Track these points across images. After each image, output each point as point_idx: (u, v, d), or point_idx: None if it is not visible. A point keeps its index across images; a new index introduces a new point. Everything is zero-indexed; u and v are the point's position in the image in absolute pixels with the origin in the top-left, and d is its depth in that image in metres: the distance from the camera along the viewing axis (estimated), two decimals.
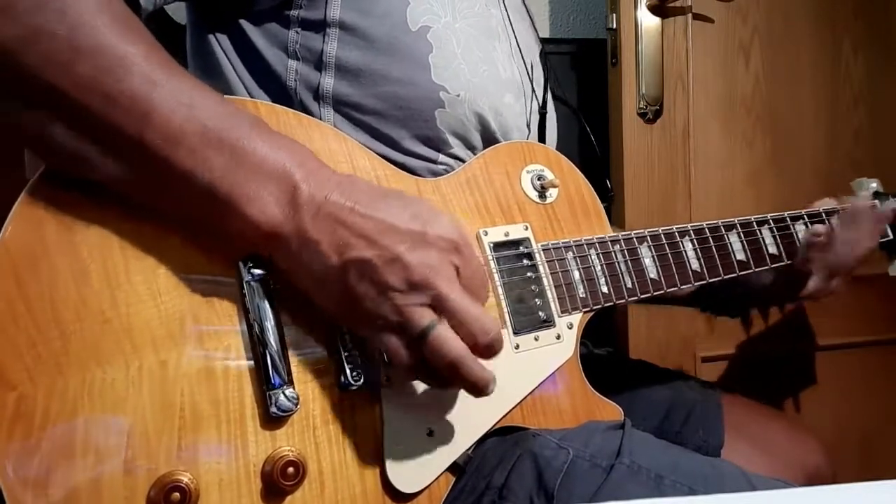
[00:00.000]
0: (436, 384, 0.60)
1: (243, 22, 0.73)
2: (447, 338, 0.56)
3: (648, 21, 1.43)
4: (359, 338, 0.61)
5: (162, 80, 0.51)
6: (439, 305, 0.56)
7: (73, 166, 0.53)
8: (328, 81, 0.72)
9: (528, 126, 0.88)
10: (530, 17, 0.97)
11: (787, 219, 0.92)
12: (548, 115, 0.90)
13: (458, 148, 0.77)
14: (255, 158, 0.53)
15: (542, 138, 0.89)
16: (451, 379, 0.58)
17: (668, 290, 0.81)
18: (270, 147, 0.54)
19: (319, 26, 0.72)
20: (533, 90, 0.90)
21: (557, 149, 0.85)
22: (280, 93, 0.73)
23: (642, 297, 0.80)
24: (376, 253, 0.54)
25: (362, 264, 0.54)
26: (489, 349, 0.58)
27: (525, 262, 0.74)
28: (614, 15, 1.43)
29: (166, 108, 0.51)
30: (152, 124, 0.51)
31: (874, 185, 1.07)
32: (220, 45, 0.75)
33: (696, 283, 0.83)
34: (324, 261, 0.55)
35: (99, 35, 0.50)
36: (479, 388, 0.58)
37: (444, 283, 0.56)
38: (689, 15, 1.47)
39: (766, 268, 0.89)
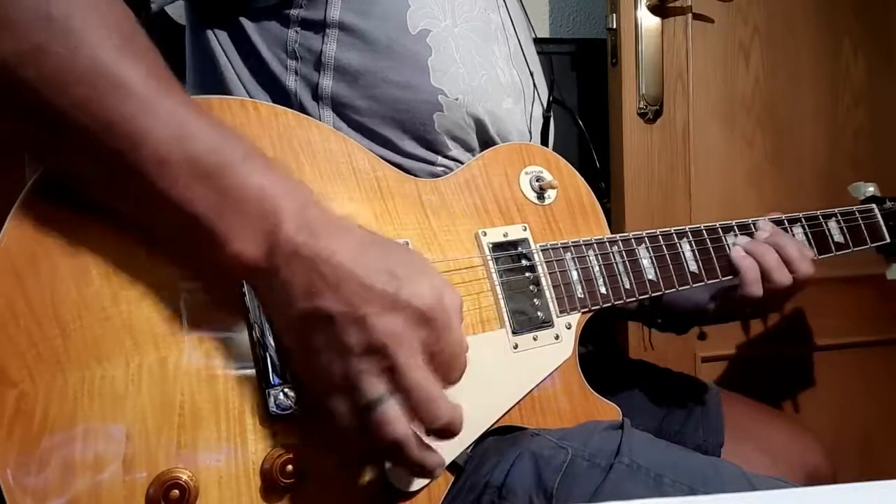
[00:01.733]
0: (376, 455, 0.58)
1: (243, 20, 0.73)
2: (393, 417, 0.52)
3: (648, 21, 1.43)
4: (304, 383, 0.59)
5: (157, 106, 0.50)
6: (393, 379, 0.52)
7: (70, 180, 0.54)
8: (327, 82, 0.72)
9: (530, 130, 0.88)
10: (527, 18, 0.97)
11: (785, 221, 0.92)
12: (543, 114, 0.90)
13: (456, 151, 0.77)
14: (240, 193, 0.52)
15: (544, 142, 0.89)
16: (393, 457, 0.55)
17: (667, 291, 0.81)
18: (259, 179, 0.52)
19: (319, 27, 0.72)
20: (536, 94, 0.90)
21: (556, 150, 0.85)
22: (279, 92, 0.73)
23: (640, 297, 0.80)
24: (341, 309, 0.51)
25: (324, 316, 0.51)
26: (440, 434, 0.54)
27: (523, 262, 0.74)
28: (614, 15, 1.43)
29: (156, 137, 0.50)
30: (141, 153, 0.50)
31: (871, 188, 1.08)
32: (220, 44, 0.75)
33: (694, 285, 0.83)
34: (291, 302, 0.52)
35: (100, 56, 0.49)
36: (422, 474, 0.56)
37: (404, 355, 0.52)
38: (689, 15, 1.47)
39: None
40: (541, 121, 0.90)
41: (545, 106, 0.90)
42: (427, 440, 0.54)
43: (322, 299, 0.51)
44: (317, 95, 0.72)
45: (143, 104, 0.50)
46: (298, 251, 0.52)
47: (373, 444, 0.53)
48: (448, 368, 0.55)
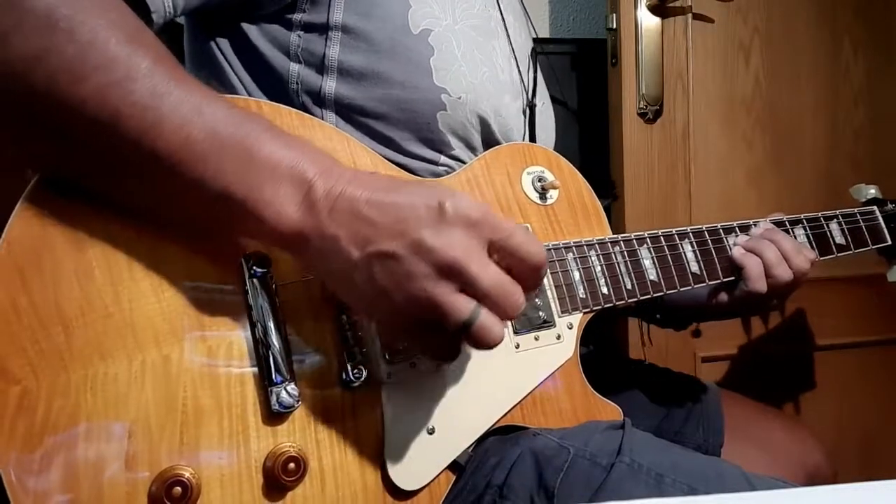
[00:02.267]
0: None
1: (245, 25, 0.73)
2: (490, 323, 0.53)
3: (648, 21, 1.43)
4: (361, 335, 0.61)
5: (170, 90, 0.51)
6: (473, 288, 0.52)
7: (83, 181, 0.54)
8: (330, 84, 0.72)
9: (525, 128, 0.87)
10: (526, 15, 0.97)
11: (787, 223, 0.93)
12: (538, 110, 0.89)
13: (459, 150, 0.77)
14: (268, 161, 0.53)
15: (532, 134, 0.89)
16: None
17: (668, 292, 0.82)
18: (282, 147, 0.54)
19: (322, 30, 0.72)
20: (523, 86, 0.90)
21: (557, 149, 0.85)
22: (281, 95, 0.73)
23: (642, 298, 0.80)
24: (398, 242, 0.52)
25: (386, 256, 0.52)
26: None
27: None
28: (614, 15, 1.43)
29: (176, 118, 0.51)
30: (163, 135, 0.50)
31: (872, 191, 1.08)
32: (220, 49, 0.75)
33: (695, 286, 0.84)
34: (346, 256, 0.53)
35: (108, 50, 0.50)
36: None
37: (474, 262, 0.52)
38: (689, 15, 1.47)
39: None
40: (528, 112, 0.89)
41: (531, 95, 0.90)
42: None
43: (377, 243, 0.52)
44: (320, 98, 0.72)
45: (160, 89, 0.51)
46: (337, 204, 0.53)
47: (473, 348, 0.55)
48: (521, 254, 0.55)
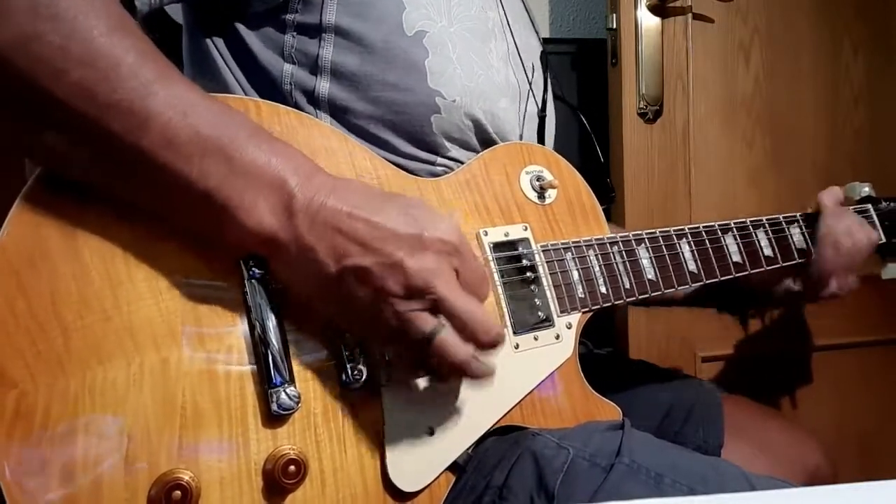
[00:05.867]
0: (438, 379, 0.64)
1: (239, 25, 0.73)
2: (451, 343, 0.57)
3: (648, 21, 1.43)
4: (361, 336, 0.61)
5: (157, 87, 0.51)
6: (440, 309, 0.56)
7: (68, 171, 0.54)
8: (324, 85, 0.72)
9: (522, 130, 0.87)
10: (531, 18, 0.97)
11: (782, 221, 0.93)
12: (546, 119, 0.90)
13: (455, 151, 0.77)
14: (251, 167, 0.53)
15: (540, 142, 0.89)
16: (456, 377, 0.61)
17: (666, 291, 0.82)
18: (267, 154, 0.54)
19: (315, 31, 0.71)
20: (531, 93, 0.89)
21: (557, 150, 0.85)
22: (276, 96, 0.72)
23: (640, 297, 0.80)
24: (374, 260, 0.54)
25: (361, 271, 0.55)
26: (492, 345, 0.59)
27: (524, 262, 0.74)
28: (614, 15, 1.43)
29: (163, 117, 0.51)
30: (148, 133, 0.50)
31: (866, 188, 1.08)
32: (217, 48, 0.75)
33: (692, 285, 0.84)
34: (322, 268, 0.55)
35: (93, 41, 0.49)
36: (482, 381, 0.61)
37: (444, 286, 0.56)
38: (689, 15, 1.47)
39: (761, 270, 0.90)
40: (535, 120, 0.89)
41: (540, 105, 0.90)
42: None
43: (353, 257, 0.54)
44: (313, 99, 0.72)
45: (145, 86, 0.50)
46: (318, 215, 0.54)
47: (439, 370, 0.60)
48: (478, 288, 0.60)
